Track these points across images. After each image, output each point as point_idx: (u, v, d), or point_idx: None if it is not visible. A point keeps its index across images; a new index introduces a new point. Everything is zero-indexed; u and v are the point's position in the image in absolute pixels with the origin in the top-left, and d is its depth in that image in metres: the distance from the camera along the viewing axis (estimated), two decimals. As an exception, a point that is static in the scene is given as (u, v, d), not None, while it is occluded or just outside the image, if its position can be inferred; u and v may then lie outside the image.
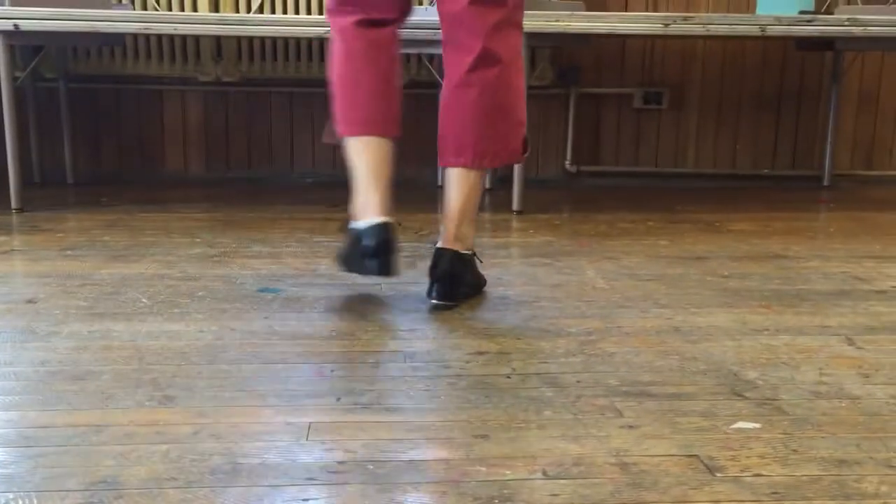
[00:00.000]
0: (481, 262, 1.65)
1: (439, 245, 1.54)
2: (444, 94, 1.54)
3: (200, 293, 1.61)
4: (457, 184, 1.53)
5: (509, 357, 1.29)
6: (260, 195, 2.74)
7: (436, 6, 1.53)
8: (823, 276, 1.81)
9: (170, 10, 2.86)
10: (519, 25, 1.54)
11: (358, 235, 1.50)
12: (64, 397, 1.11)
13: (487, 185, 2.95)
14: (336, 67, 1.56)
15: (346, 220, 1.58)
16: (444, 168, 1.57)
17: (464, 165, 1.52)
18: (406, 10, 1.58)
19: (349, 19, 1.54)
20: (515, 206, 2.50)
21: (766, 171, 3.22)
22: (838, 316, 1.53)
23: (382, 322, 1.45)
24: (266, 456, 0.95)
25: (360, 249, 1.49)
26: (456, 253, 1.52)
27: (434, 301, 1.52)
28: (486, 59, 1.48)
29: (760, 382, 1.20)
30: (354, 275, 1.58)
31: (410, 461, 0.95)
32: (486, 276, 1.67)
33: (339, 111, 1.56)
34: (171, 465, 0.92)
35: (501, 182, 2.95)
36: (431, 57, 2.86)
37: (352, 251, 1.54)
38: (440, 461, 0.95)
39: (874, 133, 3.23)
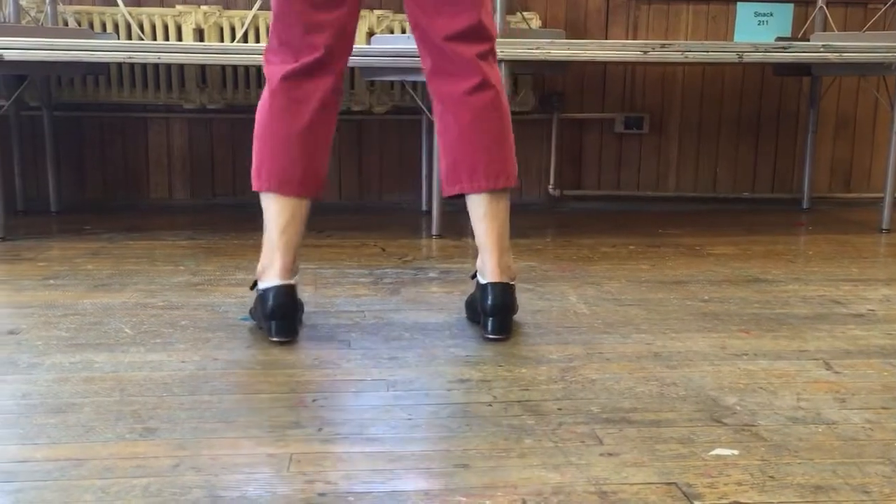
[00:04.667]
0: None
1: (489, 280, 1.51)
2: (443, 121, 1.52)
3: (183, 322, 1.61)
4: (488, 214, 1.51)
5: (490, 385, 1.30)
6: (245, 222, 2.75)
7: (414, 38, 1.53)
8: (802, 300, 1.83)
9: (154, 38, 2.87)
10: (497, 57, 1.57)
11: (262, 296, 1.50)
12: (44, 430, 1.11)
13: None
14: (258, 118, 1.51)
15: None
16: (466, 200, 1.53)
17: (479, 189, 1.50)
18: (346, 50, 1.50)
19: (279, 69, 1.48)
20: (499, 231, 2.52)
21: (746, 194, 3.26)
22: (816, 340, 1.54)
23: (365, 350, 1.46)
24: (246, 489, 0.95)
25: (262, 310, 1.50)
26: (506, 284, 1.51)
27: (490, 336, 1.51)
28: (483, 85, 1.50)
29: (739, 408, 1.21)
30: (261, 325, 1.58)
31: (391, 492, 0.95)
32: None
33: (255, 163, 1.50)
34: (152, 500, 0.92)
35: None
36: (415, 84, 2.88)
37: (258, 309, 1.54)
38: (420, 492, 0.95)
39: (852, 156, 3.28)
